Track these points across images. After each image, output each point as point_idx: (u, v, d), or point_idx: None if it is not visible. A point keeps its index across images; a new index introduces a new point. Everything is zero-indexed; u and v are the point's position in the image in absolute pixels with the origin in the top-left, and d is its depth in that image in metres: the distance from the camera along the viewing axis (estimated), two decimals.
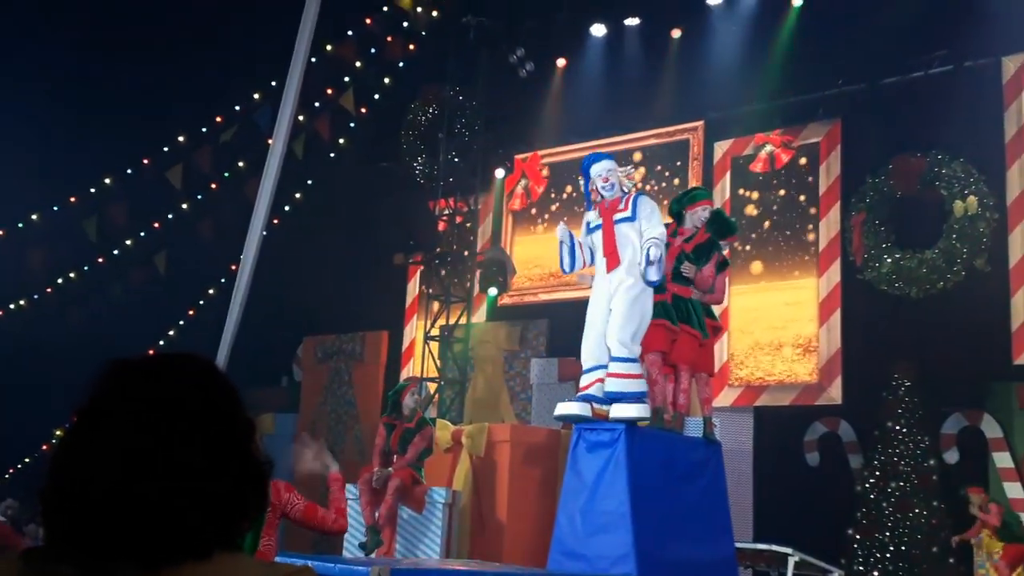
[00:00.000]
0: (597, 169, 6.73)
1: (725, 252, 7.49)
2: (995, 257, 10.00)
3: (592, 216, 6.76)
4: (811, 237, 11.18)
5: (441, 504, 8.99)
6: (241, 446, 1.23)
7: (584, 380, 6.65)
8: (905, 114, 10.56)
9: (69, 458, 1.18)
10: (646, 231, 6.45)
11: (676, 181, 12.39)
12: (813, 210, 11.24)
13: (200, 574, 1.14)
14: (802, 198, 11.35)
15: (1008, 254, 9.92)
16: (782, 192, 11.49)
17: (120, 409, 1.18)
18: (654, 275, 6.31)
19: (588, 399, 6.57)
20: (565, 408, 6.65)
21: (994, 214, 10.07)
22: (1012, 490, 9.47)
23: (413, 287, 14.22)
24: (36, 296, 13.81)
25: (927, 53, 10.57)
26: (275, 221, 12.07)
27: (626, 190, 6.70)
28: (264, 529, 5.54)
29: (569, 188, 13.29)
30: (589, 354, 6.60)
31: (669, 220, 7.31)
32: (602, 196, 6.69)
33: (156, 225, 14.03)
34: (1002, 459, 9.48)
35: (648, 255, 6.31)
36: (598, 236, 6.66)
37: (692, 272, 6.88)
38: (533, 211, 13.57)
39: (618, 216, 6.60)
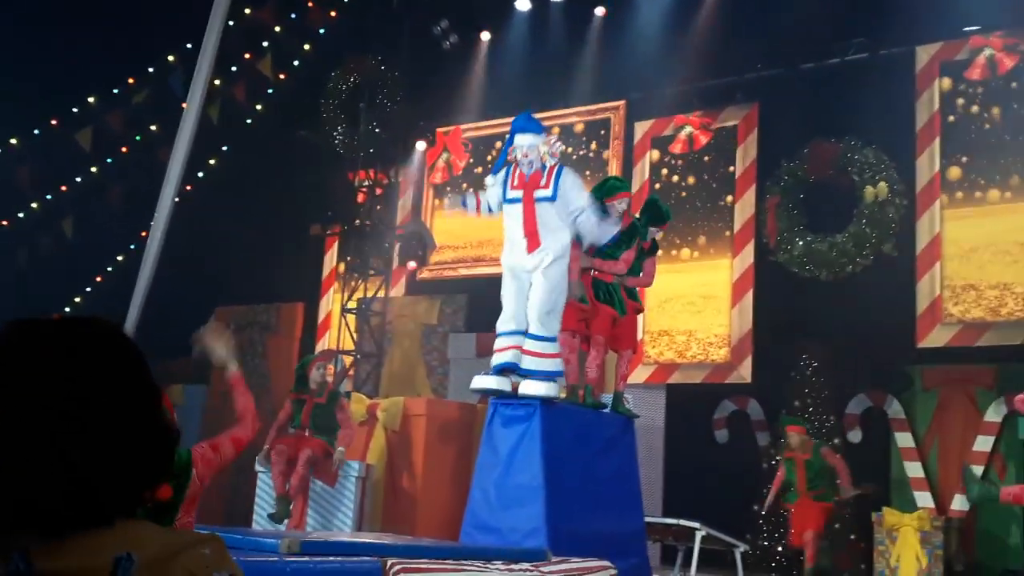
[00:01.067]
0: (522, 140, 6.55)
1: (658, 236, 7.53)
2: (903, 242, 10.30)
3: (494, 180, 6.65)
4: (726, 219, 11.36)
5: (354, 477, 8.95)
6: (147, 411, 1.19)
7: (499, 343, 6.56)
8: (821, 100, 10.77)
9: None
10: (572, 204, 6.39)
11: (604, 154, 12.46)
12: (729, 194, 11.42)
13: (102, 542, 1.11)
14: (718, 181, 11.52)
15: (915, 240, 10.22)
16: (699, 174, 11.65)
17: (19, 371, 1.13)
18: (597, 240, 6.46)
19: (505, 368, 6.52)
20: (482, 382, 6.58)
21: (903, 200, 10.35)
22: (912, 469, 9.81)
23: (330, 259, 14.06)
24: None
25: (844, 40, 10.79)
26: (188, 188, 11.79)
27: (547, 164, 6.55)
28: (183, 506, 5.43)
29: (490, 164, 13.26)
30: (507, 321, 6.52)
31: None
32: (520, 168, 6.56)
33: (63, 189, 13.59)
34: (904, 439, 9.80)
35: (581, 229, 6.35)
36: (515, 209, 6.51)
37: (606, 267, 6.93)
38: (451, 184, 13.50)
39: (539, 194, 6.48)
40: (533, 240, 6.41)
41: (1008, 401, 7.26)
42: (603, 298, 6.95)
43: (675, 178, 11.82)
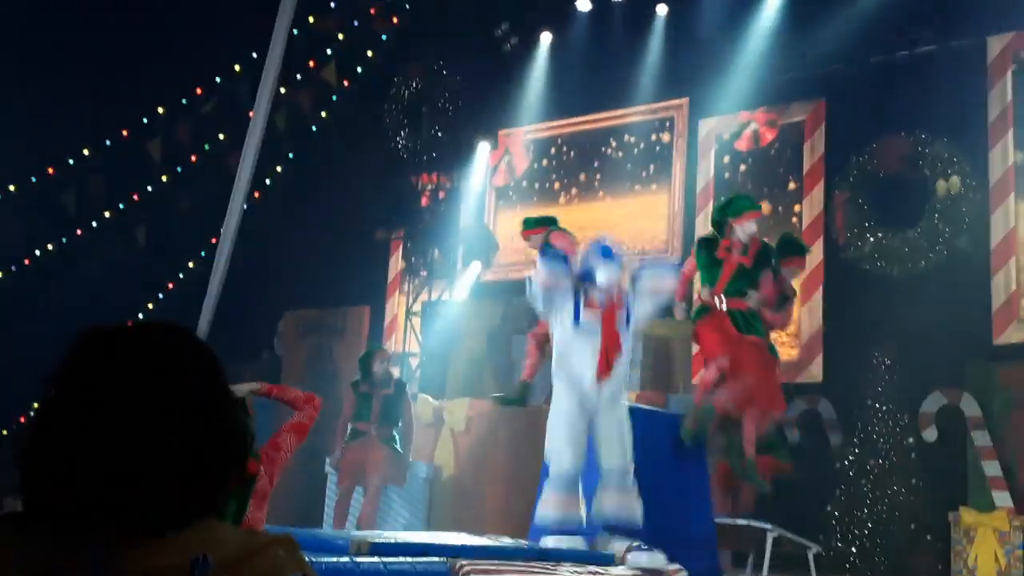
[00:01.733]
0: (608, 277, 6.18)
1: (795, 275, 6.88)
2: (976, 237, 10.05)
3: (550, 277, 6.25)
4: (795, 217, 11.19)
5: (422, 479, 9.01)
6: (225, 414, 1.21)
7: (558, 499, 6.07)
8: (890, 94, 10.56)
9: (47, 424, 1.15)
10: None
11: (663, 159, 12.38)
12: (796, 188, 11.25)
13: (179, 542, 1.12)
14: (786, 177, 11.36)
15: (989, 234, 9.96)
16: (766, 170, 11.50)
17: (99, 375, 1.16)
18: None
19: (575, 532, 6.01)
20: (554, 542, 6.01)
21: (976, 194, 10.10)
22: (990, 468, 9.54)
23: (395, 262, 14.17)
24: (14, 269, 13.67)
25: (913, 33, 10.56)
26: (256, 195, 11.98)
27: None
28: (253, 500, 5.52)
29: (554, 164, 13.26)
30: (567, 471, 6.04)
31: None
32: (597, 294, 6.16)
33: (135, 197, 13.90)
34: (980, 438, 9.54)
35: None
36: (590, 332, 6.09)
37: (757, 299, 6.53)
38: (521, 187, 13.51)
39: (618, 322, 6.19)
40: (604, 367, 6.05)
41: None
42: (744, 327, 6.59)
43: (741, 175, 11.68)
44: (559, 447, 6.10)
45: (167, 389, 1.16)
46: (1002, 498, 9.60)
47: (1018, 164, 9.95)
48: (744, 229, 6.54)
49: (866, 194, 10.77)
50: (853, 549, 9.56)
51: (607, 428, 6.05)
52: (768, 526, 7.67)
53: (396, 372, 9.05)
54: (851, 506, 9.70)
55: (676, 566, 6.25)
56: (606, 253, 6.28)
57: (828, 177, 11.02)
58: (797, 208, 11.19)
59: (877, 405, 9.74)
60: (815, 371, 10.64)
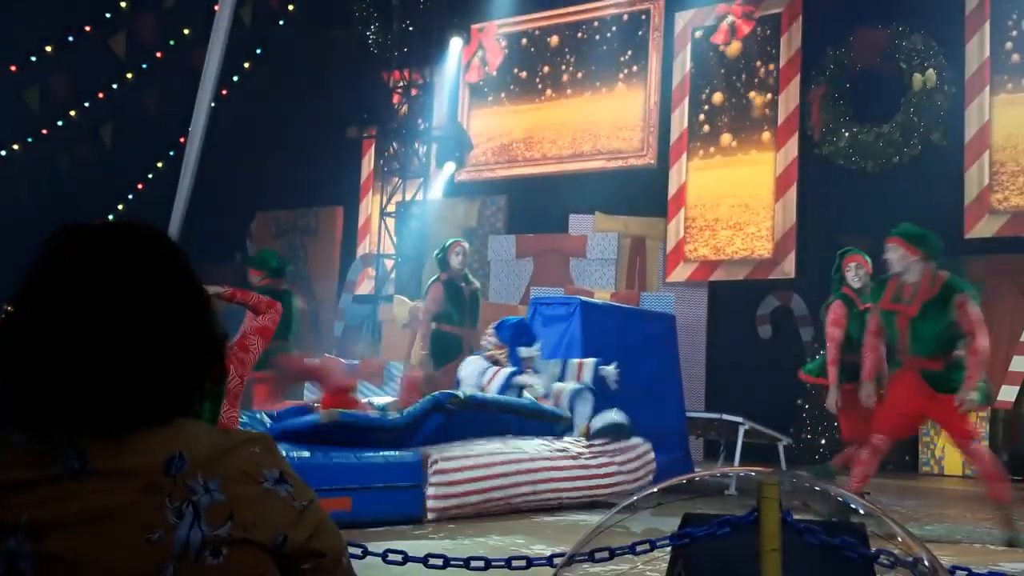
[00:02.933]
0: (528, 354, 6.89)
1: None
2: (951, 131, 10.03)
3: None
4: (769, 111, 11.12)
5: (399, 378, 9.08)
6: (198, 309, 1.20)
7: None
8: None
9: (22, 320, 1.14)
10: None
11: (639, 53, 12.21)
12: (772, 82, 11.14)
13: (156, 441, 1.13)
14: (761, 72, 11.24)
15: (964, 128, 9.94)
16: (742, 64, 11.36)
17: (75, 273, 1.14)
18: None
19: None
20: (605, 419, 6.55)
21: (952, 87, 10.05)
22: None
23: (368, 162, 14.01)
24: None
25: None
26: (223, 92, 11.73)
27: None
28: (226, 400, 5.57)
29: (528, 60, 13.06)
30: None
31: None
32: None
33: (100, 96, 13.61)
34: None
35: None
36: None
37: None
38: (494, 84, 13.32)
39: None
40: None
41: None
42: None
43: (717, 69, 11.53)
44: None
45: (143, 288, 1.15)
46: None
47: (993, 57, 9.87)
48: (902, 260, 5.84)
49: (842, 88, 10.69)
50: (823, 441, 9.79)
51: None
52: (740, 419, 7.83)
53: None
54: (820, 399, 9.88)
55: (640, 439, 6.44)
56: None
57: (804, 71, 10.91)
58: (771, 101, 11.10)
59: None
60: (788, 268, 10.72)
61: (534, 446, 5.93)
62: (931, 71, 10.09)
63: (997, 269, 9.77)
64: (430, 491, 5.21)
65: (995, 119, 9.82)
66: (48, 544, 1.05)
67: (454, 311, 7.63)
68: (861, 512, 2.49)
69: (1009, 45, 9.82)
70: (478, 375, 6.68)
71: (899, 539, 2.25)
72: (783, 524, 2.08)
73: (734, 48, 11.42)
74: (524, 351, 6.88)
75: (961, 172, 9.87)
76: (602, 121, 12.39)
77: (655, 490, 5.27)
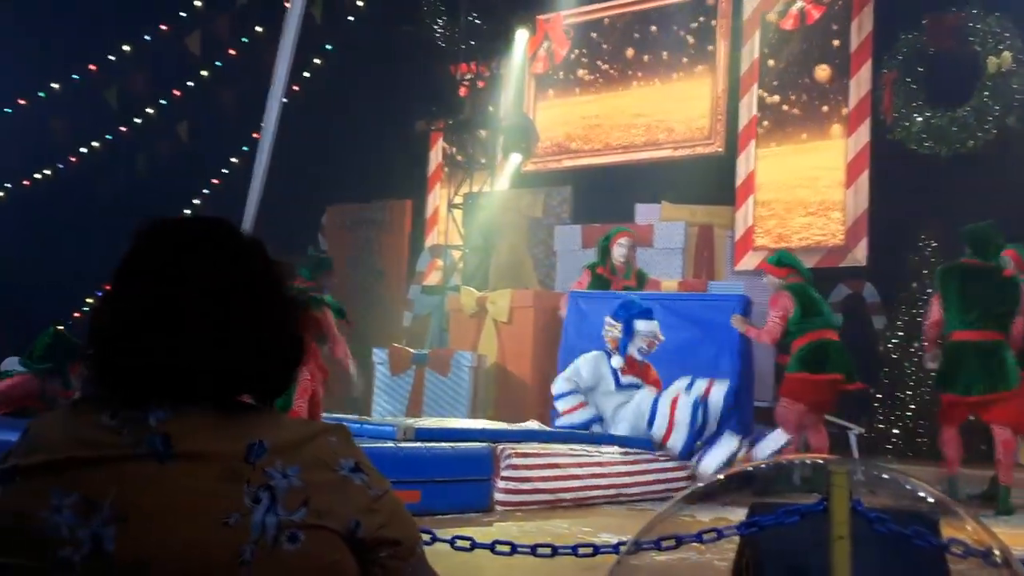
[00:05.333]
0: (648, 328, 6.77)
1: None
2: None
3: (617, 363, 6.82)
4: (840, 96, 10.94)
5: (467, 368, 9.17)
6: (286, 308, 1.24)
7: None
8: None
9: (114, 310, 1.19)
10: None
11: (706, 40, 12.10)
12: (844, 69, 10.96)
13: (238, 428, 1.17)
14: (832, 56, 11.06)
15: None
16: (813, 50, 11.20)
17: (169, 263, 1.19)
18: None
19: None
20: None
21: None
22: None
23: (435, 154, 14.13)
24: (61, 166, 13.85)
25: None
26: (295, 88, 11.93)
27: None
28: (298, 391, 5.72)
29: (595, 50, 13.03)
30: None
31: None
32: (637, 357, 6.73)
33: (176, 93, 13.92)
34: None
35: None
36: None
37: None
38: (560, 75, 13.32)
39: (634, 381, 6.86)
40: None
41: None
42: None
43: (787, 55, 11.39)
44: None
45: (235, 280, 1.20)
46: None
47: None
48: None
49: (914, 72, 10.47)
50: (895, 431, 9.64)
51: None
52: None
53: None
54: (894, 389, 9.74)
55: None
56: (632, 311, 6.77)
57: (876, 55, 10.71)
58: (843, 85, 10.92)
59: (922, 288, 9.67)
60: (859, 255, 10.55)
61: (608, 450, 5.93)
62: (1006, 53, 9.83)
63: None
64: (500, 484, 5.22)
65: None
66: (130, 524, 1.10)
67: None
68: (931, 501, 2.48)
69: None
70: (594, 372, 6.78)
71: (970, 529, 2.24)
72: (852, 513, 2.08)
73: (804, 33, 11.26)
74: (642, 324, 6.80)
75: None
76: (669, 109, 12.31)
77: (721, 477, 5.27)
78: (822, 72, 11.09)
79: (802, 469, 6.63)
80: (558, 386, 6.83)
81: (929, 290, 9.64)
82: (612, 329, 6.79)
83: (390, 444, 5.01)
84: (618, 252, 7.60)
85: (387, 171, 13.38)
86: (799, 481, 6.09)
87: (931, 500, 2.41)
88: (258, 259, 1.25)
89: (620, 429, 6.45)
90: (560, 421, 6.74)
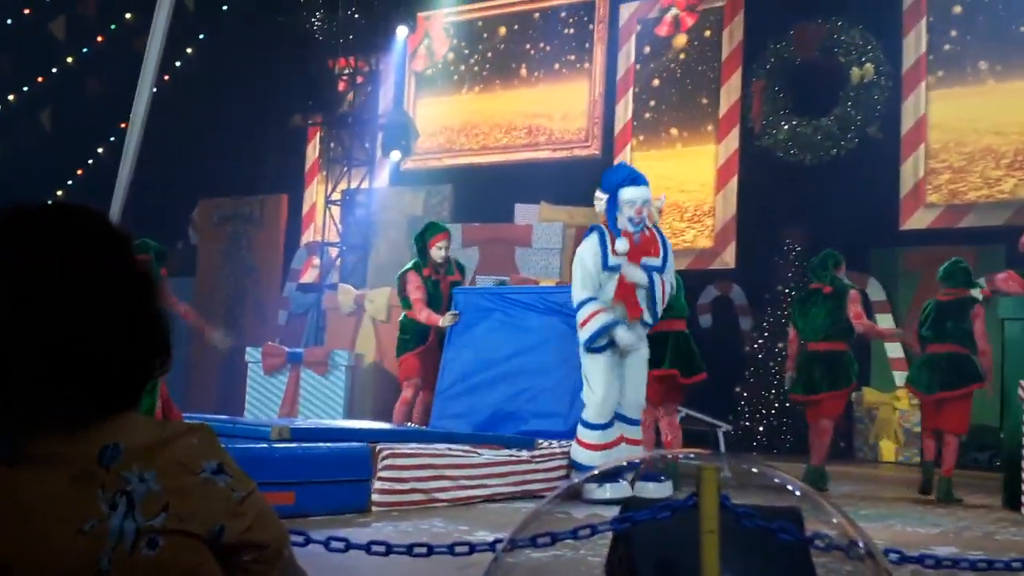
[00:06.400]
0: (633, 195, 5.84)
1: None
2: (888, 124, 10.24)
3: (621, 247, 5.84)
4: (711, 103, 11.26)
5: (344, 367, 9.06)
6: (143, 302, 1.18)
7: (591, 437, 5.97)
8: None
9: None
10: (668, 278, 6.00)
11: (584, 44, 12.27)
12: (715, 76, 11.28)
13: (92, 430, 1.12)
14: (704, 64, 11.37)
15: (900, 122, 10.17)
16: (686, 57, 11.49)
17: (16, 259, 1.11)
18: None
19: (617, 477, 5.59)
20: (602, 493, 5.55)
21: (888, 81, 10.26)
22: (893, 350, 9.98)
23: (313, 149, 13.92)
24: None
25: None
26: (166, 77, 11.56)
27: (651, 225, 6.00)
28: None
29: (474, 49, 13.06)
30: (600, 409, 5.95)
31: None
32: (629, 228, 5.85)
33: (40, 80, 13.32)
34: (885, 320, 9.93)
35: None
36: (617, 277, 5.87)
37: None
38: (441, 73, 13.29)
39: (648, 262, 5.90)
40: (635, 308, 5.85)
41: (989, 281, 7.37)
42: None
43: (661, 61, 11.65)
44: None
45: (87, 280, 1.12)
46: (903, 378, 10.05)
47: (930, 51, 10.10)
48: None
49: (782, 81, 10.86)
50: (761, 428, 9.97)
51: (635, 366, 5.96)
52: (678, 407, 7.93)
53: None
54: (759, 387, 10.07)
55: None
56: (620, 177, 6.01)
57: (746, 64, 11.07)
58: (713, 93, 11.23)
59: (787, 290, 10.03)
60: (727, 258, 10.88)
61: (486, 450, 5.93)
62: (869, 65, 10.29)
63: (932, 260, 9.97)
64: (377, 485, 5.16)
65: (931, 113, 10.05)
66: None
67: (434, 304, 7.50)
68: (798, 495, 2.55)
69: (945, 40, 10.05)
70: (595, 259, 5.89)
71: (835, 522, 2.32)
72: (721, 508, 2.13)
73: (678, 40, 11.54)
74: (627, 192, 5.86)
75: (897, 165, 10.09)
76: (548, 111, 12.45)
77: (595, 472, 5.31)
78: (695, 79, 11.39)
79: (670, 465, 6.77)
80: (575, 295, 5.93)
81: (793, 293, 10.05)
82: (599, 202, 6.04)
83: (264, 445, 4.90)
84: (438, 253, 7.58)
85: (262, 165, 13.11)
86: (665, 477, 6.22)
87: (798, 494, 2.49)
88: (124, 250, 1.19)
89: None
90: (580, 334, 5.93)
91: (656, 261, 5.93)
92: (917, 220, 9.99)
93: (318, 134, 13.61)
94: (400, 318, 7.66)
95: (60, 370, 1.10)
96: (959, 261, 6.97)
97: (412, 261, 7.70)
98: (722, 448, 8.31)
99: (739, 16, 11.20)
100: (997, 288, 6.76)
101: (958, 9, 10.00)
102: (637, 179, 5.99)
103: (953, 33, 10.00)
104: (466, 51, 13.13)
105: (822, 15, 10.59)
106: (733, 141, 11.03)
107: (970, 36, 9.90)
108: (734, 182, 10.98)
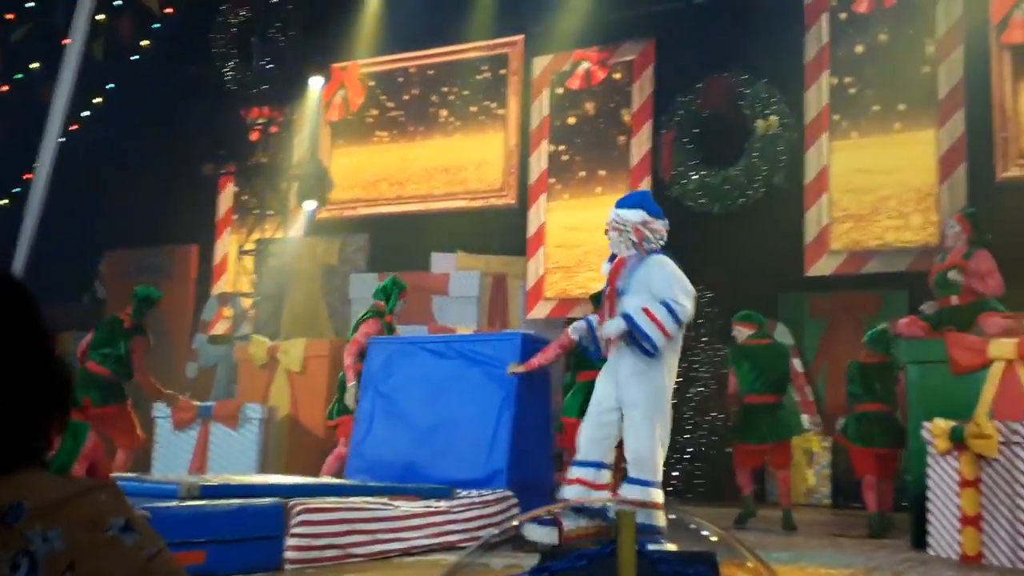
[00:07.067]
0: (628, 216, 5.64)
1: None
2: (792, 174, 10.57)
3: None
4: (623, 154, 11.48)
5: (257, 420, 8.91)
6: (44, 357, 1.17)
7: (576, 472, 5.48)
8: (715, 34, 10.89)
9: None
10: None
11: (499, 96, 12.44)
12: (626, 128, 11.53)
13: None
14: (616, 116, 11.61)
15: (804, 171, 10.50)
16: (597, 109, 11.72)
17: None
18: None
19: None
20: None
21: (793, 133, 10.61)
22: (802, 393, 10.21)
23: (225, 199, 13.76)
24: None
25: None
26: (73, 127, 11.35)
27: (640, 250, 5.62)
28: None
29: (390, 100, 13.13)
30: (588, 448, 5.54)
31: None
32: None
33: None
34: (793, 364, 10.16)
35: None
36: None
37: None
38: (356, 123, 13.31)
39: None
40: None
41: (892, 326, 7.65)
42: None
43: (574, 113, 11.87)
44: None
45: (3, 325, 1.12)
46: (813, 421, 10.29)
47: (831, 103, 10.48)
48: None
49: (691, 133, 11.15)
50: (675, 473, 10.06)
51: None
52: None
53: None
54: (673, 433, 10.14)
55: (507, 492, 6.34)
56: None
57: (656, 116, 11.34)
58: (625, 144, 11.47)
59: (698, 336, 10.19)
60: None
61: (404, 502, 5.86)
62: (773, 117, 10.63)
63: (837, 305, 10.32)
64: (291, 541, 5.05)
65: (833, 163, 10.41)
66: None
67: None
68: (714, 540, 2.58)
69: (846, 92, 10.44)
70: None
71: (749, 565, 2.36)
72: (638, 554, 2.15)
73: (590, 93, 11.77)
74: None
75: (802, 213, 10.40)
76: (464, 161, 12.55)
77: (514, 523, 5.28)
78: (607, 130, 11.62)
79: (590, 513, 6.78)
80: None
81: (705, 338, 10.23)
82: (657, 230, 5.71)
83: (173, 503, 4.77)
84: (400, 305, 7.70)
85: (172, 216, 12.91)
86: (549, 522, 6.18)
87: (714, 539, 2.52)
88: (22, 306, 1.17)
89: None
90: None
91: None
92: (822, 266, 10.28)
93: (230, 184, 13.47)
94: (340, 375, 7.52)
95: None
96: (886, 330, 7.48)
97: (371, 311, 7.59)
98: None
99: (648, 69, 11.49)
100: (900, 332, 7.01)
101: (859, 62, 10.41)
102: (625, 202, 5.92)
103: (853, 88, 10.40)
104: (382, 101, 13.19)
105: (728, 69, 10.92)
106: (645, 190, 11.25)
107: (871, 88, 10.31)
108: None
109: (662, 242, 5.64)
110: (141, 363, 7.49)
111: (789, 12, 10.67)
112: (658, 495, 5.20)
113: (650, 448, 5.31)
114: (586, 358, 6.40)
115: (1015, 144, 9.58)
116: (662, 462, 5.34)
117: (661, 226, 5.68)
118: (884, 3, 10.34)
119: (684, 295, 5.44)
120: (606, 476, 5.58)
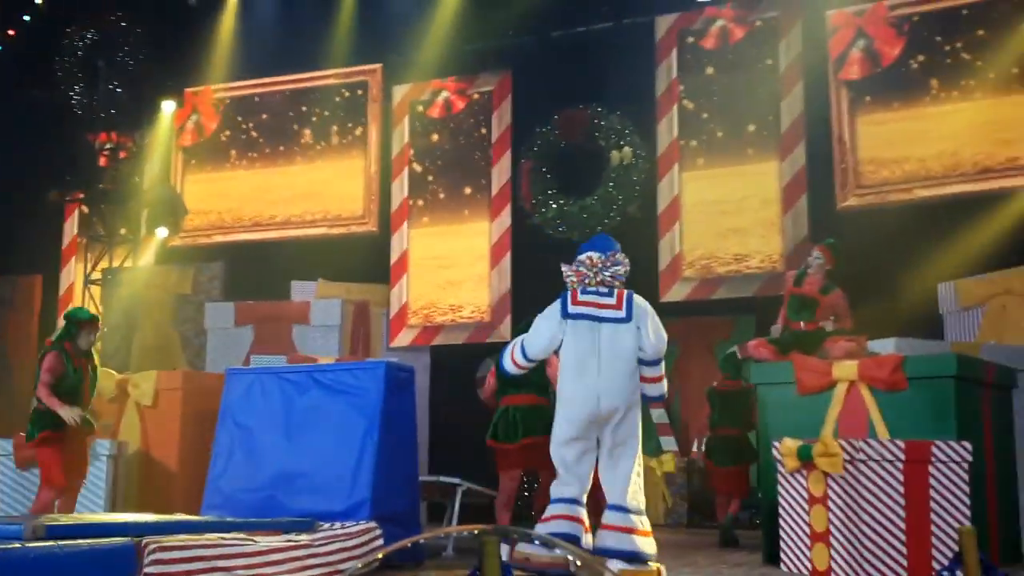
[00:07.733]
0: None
1: None
2: (646, 203, 10.89)
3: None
4: (484, 183, 11.60)
5: (105, 457, 8.55)
6: None
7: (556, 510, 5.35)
8: (570, 67, 11.16)
9: None
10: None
11: (359, 123, 12.39)
12: (488, 156, 11.66)
13: None
14: (476, 145, 11.73)
15: (657, 201, 10.84)
16: (457, 138, 11.82)
17: None
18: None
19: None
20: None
21: (646, 164, 10.94)
22: (657, 415, 10.48)
23: (71, 227, 13.21)
24: None
25: (591, 9, 11.20)
26: None
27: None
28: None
29: (246, 125, 12.90)
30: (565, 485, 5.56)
31: None
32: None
33: None
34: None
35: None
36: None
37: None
38: (210, 148, 13.00)
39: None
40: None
41: (742, 349, 7.95)
42: None
43: (434, 141, 11.93)
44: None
45: None
46: (668, 443, 10.58)
47: (681, 135, 10.87)
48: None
49: (549, 163, 11.36)
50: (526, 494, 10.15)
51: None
52: (457, 480, 7.97)
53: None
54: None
55: (371, 524, 6.27)
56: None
57: (515, 146, 11.51)
58: (485, 174, 11.59)
59: None
60: (504, 332, 11.13)
61: (264, 537, 5.71)
62: (627, 148, 10.95)
63: (690, 330, 10.65)
64: None
65: (684, 193, 10.78)
66: None
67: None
68: (578, 564, 2.63)
69: (695, 124, 10.85)
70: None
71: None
72: None
73: (450, 122, 11.86)
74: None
75: (656, 241, 10.73)
76: (324, 189, 12.43)
77: (379, 556, 5.25)
78: (468, 159, 11.73)
79: (453, 541, 6.78)
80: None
81: None
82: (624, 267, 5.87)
83: (16, 545, 4.53)
84: (85, 340, 7.09)
85: (14, 244, 12.32)
86: (451, 553, 6.16)
87: (570, 557, 2.57)
88: None
89: None
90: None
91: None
92: (675, 292, 10.61)
93: (76, 211, 12.96)
94: None
95: None
96: (732, 354, 7.87)
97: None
98: (456, 507, 8.25)
99: (507, 101, 11.67)
100: (749, 355, 7.29)
101: (707, 96, 10.84)
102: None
103: (702, 121, 10.81)
104: (239, 126, 12.94)
105: (584, 101, 11.19)
106: (506, 219, 11.40)
107: (718, 122, 10.73)
108: (508, 258, 11.31)
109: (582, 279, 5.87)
110: None
111: (641, 47, 11.03)
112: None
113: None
114: (511, 382, 6.54)
115: (854, 175, 10.14)
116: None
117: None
118: (730, 40, 10.82)
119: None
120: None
